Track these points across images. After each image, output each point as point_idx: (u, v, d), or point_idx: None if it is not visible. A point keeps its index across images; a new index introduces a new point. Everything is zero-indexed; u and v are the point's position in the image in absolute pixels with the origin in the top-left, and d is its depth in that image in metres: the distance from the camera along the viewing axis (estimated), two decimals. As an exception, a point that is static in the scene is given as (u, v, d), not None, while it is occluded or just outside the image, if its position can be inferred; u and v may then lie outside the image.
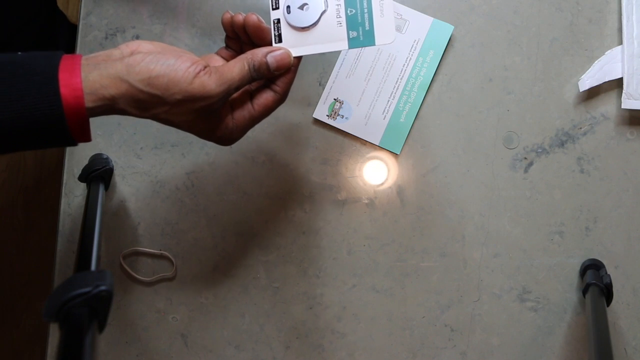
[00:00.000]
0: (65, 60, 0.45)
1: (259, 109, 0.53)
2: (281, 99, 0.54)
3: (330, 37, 0.54)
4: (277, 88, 0.53)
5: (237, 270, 0.69)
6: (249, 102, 0.53)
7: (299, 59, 0.54)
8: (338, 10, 0.54)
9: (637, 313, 0.67)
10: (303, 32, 0.54)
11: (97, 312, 0.44)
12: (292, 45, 0.54)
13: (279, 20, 0.54)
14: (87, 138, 0.47)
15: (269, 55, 0.51)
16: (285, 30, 0.54)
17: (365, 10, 0.54)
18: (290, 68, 0.53)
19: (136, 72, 0.46)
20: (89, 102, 0.45)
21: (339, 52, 0.69)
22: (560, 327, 0.67)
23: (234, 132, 0.53)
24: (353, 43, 0.54)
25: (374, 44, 0.54)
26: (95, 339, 0.42)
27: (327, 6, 0.54)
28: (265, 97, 0.53)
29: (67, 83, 0.44)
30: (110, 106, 0.46)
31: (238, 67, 0.50)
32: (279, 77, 0.53)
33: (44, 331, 0.68)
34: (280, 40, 0.54)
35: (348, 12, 0.54)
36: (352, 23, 0.54)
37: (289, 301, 0.69)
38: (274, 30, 0.55)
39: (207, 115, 0.49)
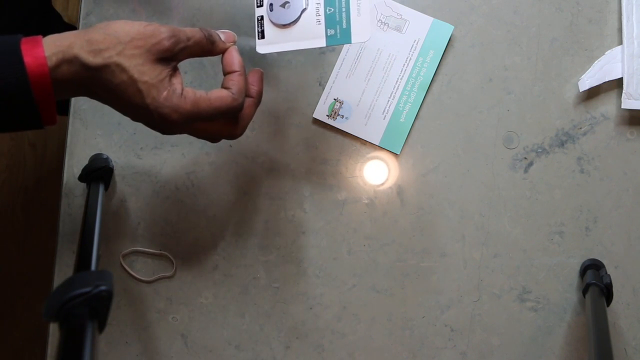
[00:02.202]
0: (27, 38, 0.48)
1: (212, 98, 0.52)
2: (236, 100, 0.53)
3: (309, 34, 0.57)
4: (230, 87, 0.53)
5: (237, 270, 0.69)
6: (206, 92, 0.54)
7: (259, 74, 0.57)
8: (318, 8, 0.56)
9: (637, 313, 0.67)
10: (284, 29, 0.57)
11: (97, 312, 0.44)
12: (274, 41, 0.57)
13: (262, 17, 0.58)
14: (52, 116, 0.49)
15: (221, 30, 0.55)
16: (267, 27, 0.58)
17: (343, 10, 0.56)
18: (240, 70, 0.54)
19: (95, 26, 0.50)
20: (48, 53, 0.47)
21: (339, 53, 0.69)
22: (560, 327, 0.67)
23: (179, 106, 0.51)
24: (330, 40, 0.57)
25: (350, 42, 0.57)
26: (95, 339, 0.42)
27: (308, 5, 0.57)
28: (220, 90, 0.53)
29: (30, 53, 0.47)
30: (64, 53, 0.48)
31: (191, 28, 0.53)
32: (230, 77, 0.54)
33: (44, 331, 0.68)
34: (262, 37, 0.58)
35: (327, 10, 0.56)
36: (331, 21, 0.56)
37: (289, 301, 0.69)
38: (257, 27, 0.58)
39: (157, 62, 0.50)
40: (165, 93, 0.50)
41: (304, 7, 0.57)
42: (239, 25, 0.70)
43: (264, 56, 0.69)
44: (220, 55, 0.55)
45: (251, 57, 0.69)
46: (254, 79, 0.57)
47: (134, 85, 0.49)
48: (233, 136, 0.55)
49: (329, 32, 0.57)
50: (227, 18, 0.70)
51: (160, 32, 0.50)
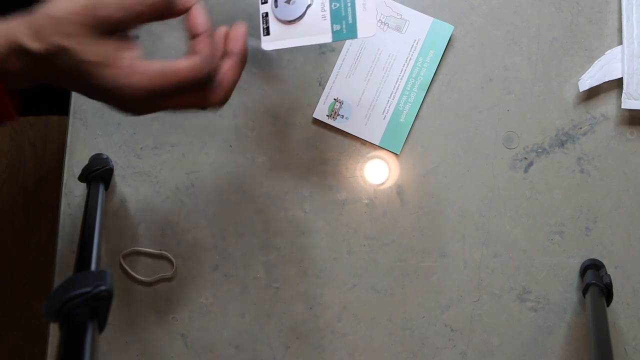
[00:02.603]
0: None
1: (176, 68, 0.46)
2: (205, 67, 0.47)
3: (315, 30, 0.57)
4: (197, 51, 0.48)
5: (237, 270, 0.69)
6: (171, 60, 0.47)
7: (243, 28, 0.51)
8: (323, 4, 0.56)
9: (637, 313, 0.67)
10: (289, 25, 0.57)
11: (97, 312, 0.44)
12: (279, 37, 0.57)
13: (267, 14, 0.57)
14: (7, 111, 0.45)
15: None
16: (272, 24, 0.57)
17: (349, 4, 0.56)
18: (207, 30, 0.48)
19: (38, 5, 0.45)
20: None
21: (339, 53, 0.69)
22: (560, 327, 0.67)
23: (135, 84, 0.45)
24: (337, 36, 0.57)
25: (357, 37, 0.57)
26: (95, 339, 0.42)
27: (313, 0, 0.56)
28: (186, 60, 0.47)
29: None
30: (9, 43, 0.43)
31: None
32: (196, 42, 0.48)
33: (44, 331, 0.68)
34: (268, 33, 0.58)
35: (332, 6, 0.56)
36: (336, 16, 0.56)
37: (289, 301, 0.69)
38: (262, 23, 0.57)
39: (102, 35, 0.44)
40: (115, 70, 0.44)
41: (309, 2, 0.57)
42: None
43: (264, 55, 0.69)
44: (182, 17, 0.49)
45: (252, 56, 0.69)
46: (237, 33, 0.51)
47: (79, 66, 0.44)
48: (213, 105, 0.50)
49: (334, 27, 0.57)
50: (228, 17, 0.70)
51: (99, 1, 0.44)
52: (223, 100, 0.50)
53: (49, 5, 0.44)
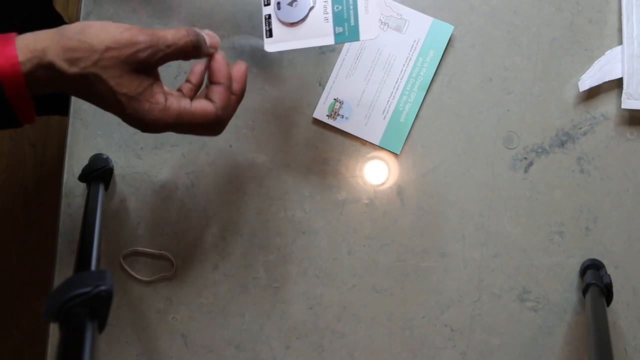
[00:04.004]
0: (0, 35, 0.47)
1: (195, 112, 0.51)
2: (219, 116, 0.52)
3: (317, 32, 0.57)
4: (214, 100, 0.52)
5: (237, 270, 0.69)
6: (189, 99, 0.52)
7: (244, 69, 0.54)
8: (325, 6, 0.56)
9: (637, 313, 0.67)
10: (292, 27, 0.57)
11: (97, 312, 0.44)
12: (282, 39, 0.57)
13: (270, 16, 0.58)
14: (30, 114, 0.48)
15: (205, 31, 0.53)
16: (275, 26, 0.57)
17: (351, 7, 0.56)
18: (226, 82, 0.52)
19: (71, 27, 0.48)
20: (22, 59, 0.45)
21: (339, 53, 0.69)
22: (560, 327, 0.67)
23: (161, 119, 0.50)
24: (339, 38, 0.57)
25: (359, 39, 0.57)
26: (95, 339, 0.42)
27: (315, 3, 0.56)
28: (205, 103, 0.52)
29: (1, 53, 0.45)
30: (40, 59, 0.46)
31: (173, 30, 0.50)
32: (216, 90, 0.52)
33: (44, 331, 0.68)
34: (270, 35, 0.58)
35: (335, 8, 0.56)
36: (338, 19, 0.56)
37: (289, 301, 0.69)
38: (265, 25, 0.57)
39: (136, 72, 0.49)
40: (147, 105, 0.49)
41: (311, 5, 0.57)
42: (239, 24, 0.70)
43: (264, 56, 0.69)
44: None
45: (252, 56, 0.69)
46: (238, 75, 0.54)
47: (114, 96, 0.48)
48: (214, 135, 0.55)
49: (337, 29, 0.57)
50: (228, 17, 0.70)
51: (137, 41, 0.48)
52: (221, 132, 0.55)
53: (86, 32, 0.47)
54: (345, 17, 0.56)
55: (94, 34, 0.47)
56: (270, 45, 0.58)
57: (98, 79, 0.47)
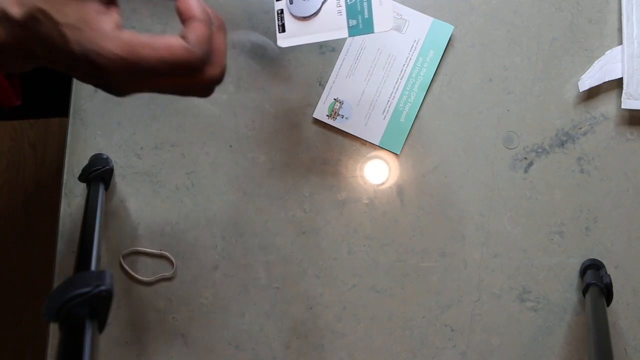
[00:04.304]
0: None
1: (156, 44, 0.43)
2: (192, 53, 0.43)
3: (331, 25, 0.56)
4: (186, 36, 0.44)
5: (237, 270, 0.69)
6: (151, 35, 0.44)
7: (221, 19, 0.46)
8: None
9: (637, 313, 0.67)
10: (305, 21, 0.56)
11: (97, 312, 0.44)
12: (295, 34, 0.56)
13: (282, 10, 0.57)
14: (6, 93, 0.44)
15: None
16: (288, 20, 0.57)
17: None
18: (202, 17, 0.45)
19: None
20: None
21: (339, 52, 0.69)
22: (560, 327, 0.67)
23: (107, 50, 0.42)
24: (353, 31, 0.56)
25: (373, 32, 0.56)
26: (95, 339, 0.42)
27: None
28: (170, 37, 0.43)
29: None
30: None
31: None
32: (188, 26, 0.45)
33: (44, 331, 0.68)
34: (283, 30, 0.57)
35: (348, 1, 0.56)
36: (352, 11, 0.56)
37: (289, 301, 0.69)
38: (278, 20, 0.57)
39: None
40: (91, 33, 0.41)
41: None
42: (239, 25, 0.70)
43: (264, 55, 0.69)
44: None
45: (252, 55, 0.69)
46: (202, 4, 0.46)
47: (57, 29, 0.41)
48: (212, 83, 0.46)
49: (350, 22, 0.56)
50: (228, 18, 0.70)
51: None
52: (221, 76, 0.46)
53: None
54: (359, 9, 0.56)
55: None
56: (284, 40, 0.58)
57: (43, 14, 0.41)
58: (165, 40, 0.43)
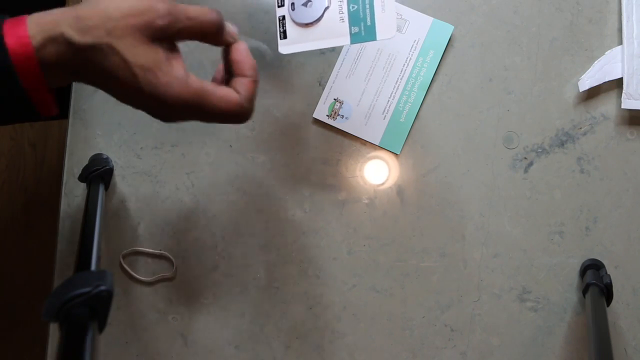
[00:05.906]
0: (11, 18, 0.44)
1: (218, 95, 0.47)
2: (242, 108, 0.48)
3: (332, 32, 0.55)
4: (240, 91, 0.49)
5: (237, 270, 0.69)
6: (214, 85, 0.49)
7: (244, 48, 0.50)
8: (341, 6, 0.55)
9: (637, 313, 0.67)
10: (307, 28, 0.56)
11: (97, 312, 0.44)
12: (296, 41, 0.55)
13: (284, 17, 0.56)
14: (47, 104, 0.45)
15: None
16: (289, 27, 0.56)
17: (367, 6, 0.55)
18: (253, 76, 0.49)
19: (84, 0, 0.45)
20: (33, 34, 0.42)
21: (339, 53, 0.69)
22: (560, 327, 0.67)
23: (180, 94, 0.46)
24: (355, 38, 0.55)
25: (376, 39, 0.56)
26: (95, 339, 0.42)
27: (330, 3, 0.55)
28: (229, 90, 0.48)
29: (12, 33, 0.42)
30: (50, 32, 0.43)
31: (197, 6, 0.47)
32: (241, 81, 0.49)
33: (44, 331, 0.68)
34: (285, 37, 0.56)
35: (350, 8, 0.55)
36: (354, 19, 0.55)
37: (289, 301, 0.69)
38: (279, 27, 0.56)
39: (153, 43, 0.45)
40: (165, 79, 0.45)
41: (326, 5, 0.55)
42: (238, 22, 0.70)
43: (263, 56, 0.69)
44: (221, 48, 0.50)
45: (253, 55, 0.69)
46: (242, 55, 0.50)
47: (128, 69, 0.44)
48: (239, 123, 0.51)
49: (353, 29, 0.55)
50: (227, 17, 0.70)
51: (155, 8, 0.44)
52: (250, 116, 0.51)
53: (100, 2, 0.44)
54: (361, 16, 0.55)
55: (110, 1, 0.44)
56: (285, 47, 0.57)
57: (111, 50, 0.43)
58: (224, 92, 0.47)
